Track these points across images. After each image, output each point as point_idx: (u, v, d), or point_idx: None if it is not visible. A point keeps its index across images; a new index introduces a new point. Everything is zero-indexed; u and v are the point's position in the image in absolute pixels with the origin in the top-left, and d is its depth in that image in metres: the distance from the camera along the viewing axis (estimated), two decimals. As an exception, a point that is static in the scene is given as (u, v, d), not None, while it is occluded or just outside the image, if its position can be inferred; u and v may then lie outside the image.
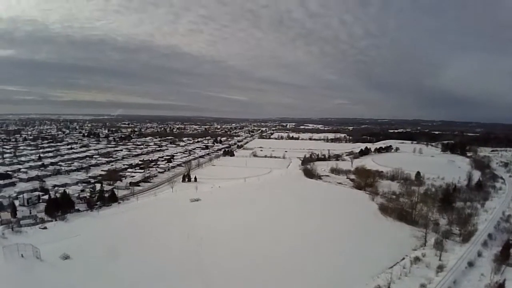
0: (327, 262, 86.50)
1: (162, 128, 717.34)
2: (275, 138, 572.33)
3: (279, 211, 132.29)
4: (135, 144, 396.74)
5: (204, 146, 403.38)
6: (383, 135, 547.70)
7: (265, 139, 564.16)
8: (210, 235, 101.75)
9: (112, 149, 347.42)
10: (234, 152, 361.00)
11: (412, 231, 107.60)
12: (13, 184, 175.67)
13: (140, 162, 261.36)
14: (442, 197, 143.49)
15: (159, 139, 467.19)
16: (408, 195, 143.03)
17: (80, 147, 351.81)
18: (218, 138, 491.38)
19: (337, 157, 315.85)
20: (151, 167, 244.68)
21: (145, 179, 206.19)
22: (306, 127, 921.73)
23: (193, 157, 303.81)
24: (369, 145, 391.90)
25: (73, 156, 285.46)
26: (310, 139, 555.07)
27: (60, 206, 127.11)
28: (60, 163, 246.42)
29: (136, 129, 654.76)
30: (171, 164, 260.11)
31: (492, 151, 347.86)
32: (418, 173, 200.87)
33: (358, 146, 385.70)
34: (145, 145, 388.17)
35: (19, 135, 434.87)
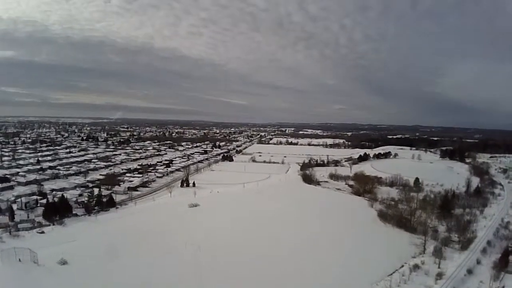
0: (325, 268, 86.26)
1: (161, 132, 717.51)
2: (274, 143, 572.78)
3: (277, 217, 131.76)
4: (133, 149, 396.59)
5: (203, 151, 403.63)
6: (382, 141, 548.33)
7: (264, 144, 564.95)
8: (209, 241, 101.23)
9: (111, 153, 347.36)
10: (233, 157, 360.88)
11: (411, 238, 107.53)
12: (11, 187, 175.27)
13: (138, 167, 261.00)
14: (441, 203, 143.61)
15: (158, 143, 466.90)
16: (407, 202, 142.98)
17: (79, 151, 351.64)
18: (217, 143, 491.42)
19: (336, 163, 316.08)
20: (150, 171, 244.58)
21: (144, 184, 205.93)
22: (305, 132, 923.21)
23: (192, 162, 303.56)
24: (368, 151, 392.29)
25: (72, 160, 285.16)
26: (309, 144, 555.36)
27: (58, 211, 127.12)
28: (58, 167, 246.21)
29: (135, 133, 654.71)
30: (169, 169, 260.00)
31: (491, 157, 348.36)
32: (417, 180, 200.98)
33: (357, 152, 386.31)
34: (144, 150, 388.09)
35: (18, 138, 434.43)
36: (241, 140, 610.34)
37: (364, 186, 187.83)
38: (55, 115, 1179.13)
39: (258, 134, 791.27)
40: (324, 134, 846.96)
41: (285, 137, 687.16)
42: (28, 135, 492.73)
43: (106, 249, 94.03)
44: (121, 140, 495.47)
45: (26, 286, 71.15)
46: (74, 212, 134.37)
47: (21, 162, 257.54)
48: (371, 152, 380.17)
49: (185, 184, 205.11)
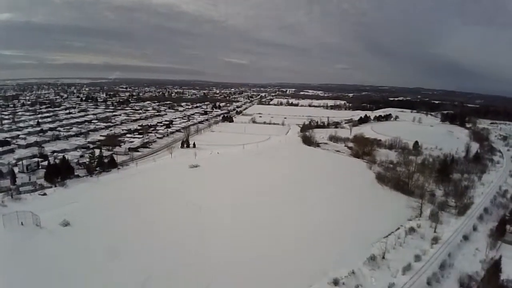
0: (322, 229, 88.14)
1: (161, 93, 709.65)
2: (274, 104, 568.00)
3: (276, 178, 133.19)
4: (133, 109, 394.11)
5: (203, 112, 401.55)
6: (383, 103, 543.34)
7: (264, 105, 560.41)
8: (209, 201, 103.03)
9: (111, 113, 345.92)
10: (233, 118, 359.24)
11: (408, 201, 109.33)
12: (12, 150, 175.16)
13: (139, 127, 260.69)
14: (439, 168, 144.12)
15: (157, 103, 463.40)
16: (406, 165, 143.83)
17: (79, 112, 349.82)
18: (217, 104, 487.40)
19: (336, 124, 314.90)
20: (150, 132, 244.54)
21: (144, 145, 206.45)
22: (306, 93, 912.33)
23: (192, 123, 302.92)
24: (368, 113, 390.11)
25: (72, 121, 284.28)
26: (309, 105, 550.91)
27: (60, 172, 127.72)
28: (58, 128, 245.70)
29: (134, 94, 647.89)
30: (170, 130, 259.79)
31: (491, 123, 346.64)
32: (416, 143, 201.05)
33: (358, 114, 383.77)
34: (144, 110, 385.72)
35: (17, 101, 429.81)
36: (241, 101, 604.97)
37: (363, 148, 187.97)
38: (53, 76, 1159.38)
39: (258, 95, 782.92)
40: (325, 95, 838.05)
41: (285, 98, 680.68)
42: (27, 98, 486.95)
43: (108, 210, 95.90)
44: (121, 100, 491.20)
45: (29, 249, 72.57)
46: (76, 174, 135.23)
47: (21, 124, 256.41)
48: (371, 114, 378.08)
49: (185, 145, 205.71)
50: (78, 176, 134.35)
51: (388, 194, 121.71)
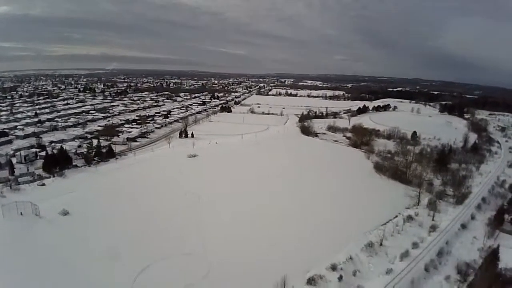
0: (321, 216, 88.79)
1: (159, 83, 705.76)
2: (273, 95, 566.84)
3: (275, 168, 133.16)
4: (131, 99, 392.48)
5: (201, 102, 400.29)
6: (382, 94, 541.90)
7: (263, 95, 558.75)
8: (208, 191, 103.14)
9: (109, 104, 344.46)
10: (232, 108, 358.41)
11: (406, 190, 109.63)
12: (10, 141, 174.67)
13: (136, 118, 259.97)
14: (437, 157, 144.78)
15: (155, 94, 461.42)
16: (403, 154, 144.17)
17: (76, 103, 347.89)
18: (216, 94, 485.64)
19: (335, 114, 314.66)
20: (148, 122, 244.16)
21: (142, 135, 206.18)
22: (305, 83, 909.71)
23: (190, 113, 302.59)
24: (367, 103, 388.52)
25: (70, 111, 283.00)
26: (308, 96, 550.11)
27: (58, 162, 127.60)
28: (56, 119, 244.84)
29: (132, 84, 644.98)
30: (168, 120, 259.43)
31: (490, 114, 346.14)
32: (414, 133, 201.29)
33: (356, 104, 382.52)
34: (142, 100, 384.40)
35: (15, 92, 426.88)
36: (239, 91, 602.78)
37: (361, 138, 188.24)
38: (51, 67, 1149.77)
39: (257, 85, 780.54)
40: (324, 85, 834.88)
41: (284, 88, 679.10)
42: (25, 89, 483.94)
43: (107, 199, 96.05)
44: (118, 91, 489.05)
45: (29, 239, 72.78)
46: (74, 164, 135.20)
47: (19, 115, 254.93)
48: (370, 104, 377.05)
49: (183, 135, 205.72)
50: (76, 166, 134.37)
51: (386, 183, 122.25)
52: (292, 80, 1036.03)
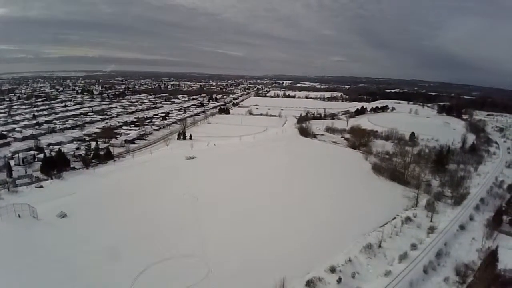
0: (319, 218, 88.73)
1: (156, 85, 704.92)
2: (271, 96, 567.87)
3: (273, 170, 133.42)
4: (129, 101, 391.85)
5: (199, 104, 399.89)
6: (380, 95, 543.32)
7: (261, 97, 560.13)
8: (206, 193, 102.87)
9: (107, 106, 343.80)
10: (230, 110, 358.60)
11: (404, 191, 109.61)
12: (8, 144, 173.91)
13: (135, 120, 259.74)
14: (436, 158, 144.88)
15: (153, 96, 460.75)
16: (402, 156, 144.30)
17: (74, 105, 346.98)
18: (214, 96, 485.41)
19: (333, 116, 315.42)
20: (146, 124, 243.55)
21: (140, 137, 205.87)
22: (303, 85, 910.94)
23: (188, 115, 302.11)
24: (365, 104, 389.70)
25: (68, 113, 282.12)
26: (306, 97, 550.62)
27: (56, 165, 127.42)
28: (54, 121, 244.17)
29: (130, 86, 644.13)
30: (166, 122, 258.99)
31: (488, 115, 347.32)
32: (412, 134, 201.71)
33: (354, 106, 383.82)
34: (140, 102, 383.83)
35: (13, 94, 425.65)
36: (237, 93, 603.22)
37: (359, 139, 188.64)
38: (48, 69, 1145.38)
39: (255, 87, 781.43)
40: (322, 87, 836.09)
41: (282, 90, 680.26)
42: (23, 91, 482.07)
43: (105, 202, 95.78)
44: (116, 93, 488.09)
45: (27, 241, 72.33)
46: (72, 166, 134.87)
47: (17, 118, 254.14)
48: (368, 105, 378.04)
49: (182, 137, 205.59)
50: (74, 168, 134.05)
51: (384, 184, 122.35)
52: (290, 81, 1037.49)
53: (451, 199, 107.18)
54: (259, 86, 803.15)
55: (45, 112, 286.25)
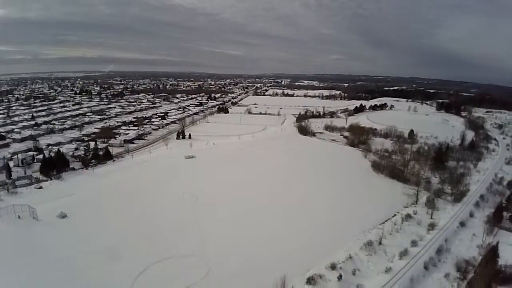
0: (319, 216, 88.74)
1: (155, 85, 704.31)
2: (270, 95, 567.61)
3: (272, 168, 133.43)
4: (128, 101, 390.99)
5: (198, 103, 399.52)
6: (379, 93, 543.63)
7: (260, 95, 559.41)
8: (206, 192, 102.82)
9: (105, 106, 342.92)
10: (229, 109, 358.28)
11: (403, 189, 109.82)
12: (7, 145, 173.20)
13: (133, 119, 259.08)
14: (435, 155, 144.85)
15: (152, 96, 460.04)
16: (401, 153, 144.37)
17: (73, 105, 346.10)
18: (212, 95, 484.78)
19: (332, 114, 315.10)
20: (145, 124, 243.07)
21: (139, 137, 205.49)
22: (301, 83, 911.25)
23: (187, 114, 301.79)
24: (364, 102, 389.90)
25: (66, 114, 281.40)
26: (305, 96, 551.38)
27: (55, 165, 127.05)
28: (53, 121, 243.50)
29: (128, 86, 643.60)
30: (165, 121, 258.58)
31: (487, 112, 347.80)
32: (411, 131, 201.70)
33: (353, 104, 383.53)
34: (138, 102, 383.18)
35: (11, 95, 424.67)
36: (236, 92, 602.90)
37: (358, 137, 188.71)
38: (47, 70, 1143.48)
39: (254, 86, 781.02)
40: (321, 85, 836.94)
41: (281, 89, 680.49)
42: (21, 92, 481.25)
43: (105, 202, 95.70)
44: (115, 93, 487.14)
45: (27, 241, 72.28)
46: (71, 166, 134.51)
47: (15, 119, 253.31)
48: (367, 103, 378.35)
49: (181, 136, 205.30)
50: (73, 168, 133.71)
51: (384, 182, 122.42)
52: (288, 80, 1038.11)
53: (451, 196, 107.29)
54: (258, 85, 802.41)
55: (43, 113, 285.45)
